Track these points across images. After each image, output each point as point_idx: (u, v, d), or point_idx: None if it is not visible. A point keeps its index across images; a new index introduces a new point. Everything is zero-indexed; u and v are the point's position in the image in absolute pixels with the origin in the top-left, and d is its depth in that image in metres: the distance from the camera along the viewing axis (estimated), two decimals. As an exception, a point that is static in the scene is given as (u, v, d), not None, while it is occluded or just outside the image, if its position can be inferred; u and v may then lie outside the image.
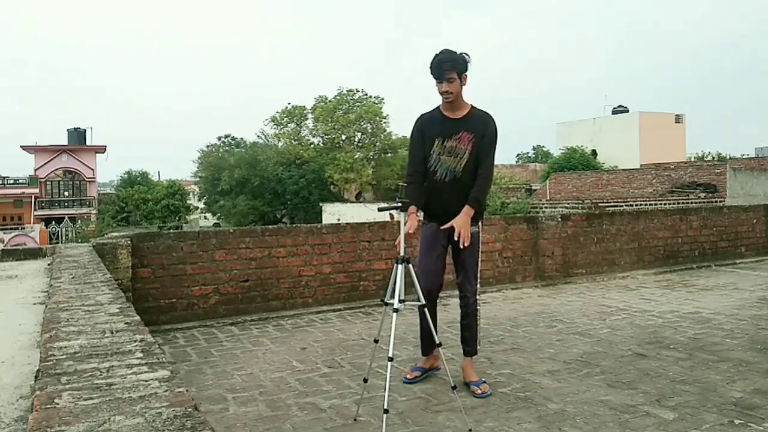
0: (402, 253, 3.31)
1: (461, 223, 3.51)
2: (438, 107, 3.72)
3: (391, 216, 6.17)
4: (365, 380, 3.39)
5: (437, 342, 3.48)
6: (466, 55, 3.54)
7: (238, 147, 43.88)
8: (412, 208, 3.61)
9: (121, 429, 1.14)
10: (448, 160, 3.62)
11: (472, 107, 3.68)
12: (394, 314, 3.16)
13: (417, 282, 3.35)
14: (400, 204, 3.33)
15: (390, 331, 3.13)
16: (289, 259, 6.07)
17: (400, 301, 3.16)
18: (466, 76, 3.57)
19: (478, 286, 3.85)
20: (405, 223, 3.36)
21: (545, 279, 7.47)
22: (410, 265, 3.31)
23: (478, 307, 3.85)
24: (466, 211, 3.54)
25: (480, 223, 3.76)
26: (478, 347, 3.92)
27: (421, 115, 3.78)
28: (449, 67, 3.49)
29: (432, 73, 3.55)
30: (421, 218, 3.89)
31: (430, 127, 3.69)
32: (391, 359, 3.10)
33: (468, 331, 3.82)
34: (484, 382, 3.67)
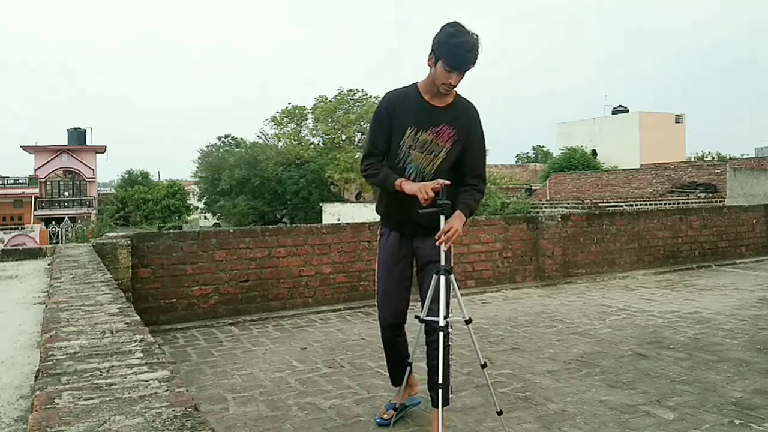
0: (443, 262, 2.76)
1: (455, 226, 2.76)
2: (415, 85, 2.94)
3: None
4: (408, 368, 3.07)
5: (410, 361, 3.01)
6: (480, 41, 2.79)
7: (238, 147, 43.90)
8: (400, 180, 2.86)
9: (121, 429, 1.13)
10: (419, 157, 2.89)
11: (457, 94, 2.95)
12: (441, 333, 2.69)
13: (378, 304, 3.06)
14: (441, 206, 2.75)
15: (439, 362, 2.70)
16: (289, 259, 6.07)
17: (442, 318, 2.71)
18: None
19: (450, 313, 2.93)
20: (444, 224, 2.76)
21: (545, 279, 7.47)
22: (452, 276, 2.81)
23: (450, 343, 3.00)
24: (459, 215, 2.81)
25: None
26: (451, 395, 3.12)
27: (393, 92, 2.97)
28: (473, 59, 2.72)
29: (445, 58, 2.71)
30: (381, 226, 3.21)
31: (403, 109, 2.90)
32: (441, 386, 2.71)
33: (437, 374, 2.77)
34: None
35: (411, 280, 3.13)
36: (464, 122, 2.92)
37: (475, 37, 2.72)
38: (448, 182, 2.76)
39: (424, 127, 2.88)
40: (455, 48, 2.69)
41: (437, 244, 2.75)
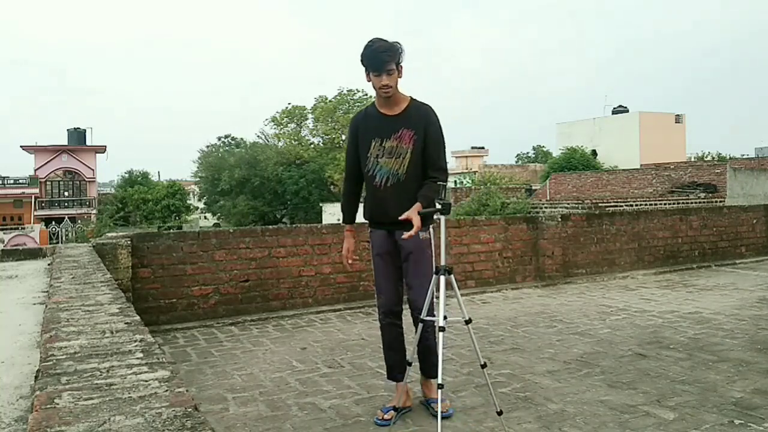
0: (443, 263, 2.91)
1: (411, 216, 2.98)
2: (373, 104, 3.37)
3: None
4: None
5: (409, 362, 3.11)
6: (399, 44, 3.17)
7: (238, 147, 43.99)
8: (348, 228, 3.50)
9: (121, 429, 1.13)
10: (389, 162, 3.21)
11: (411, 100, 3.29)
12: (441, 334, 2.78)
13: (378, 297, 3.38)
14: (440, 206, 2.90)
15: (438, 355, 2.79)
16: (289, 259, 6.07)
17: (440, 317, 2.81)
18: (402, 67, 3.18)
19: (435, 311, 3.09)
20: (445, 228, 2.98)
21: (545, 279, 7.47)
22: (452, 276, 2.93)
23: (428, 334, 3.22)
24: (416, 206, 3.04)
25: (431, 228, 3.27)
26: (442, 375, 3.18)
27: (355, 116, 3.47)
28: (389, 57, 3.09)
29: (368, 65, 3.14)
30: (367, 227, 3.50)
31: (365, 127, 3.31)
32: (441, 386, 2.74)
33: (430, 354, 3.21)
34: (444, 400, 3.14)
35: (400, 270, 3.39)
36: (420, 122, 3.23)
37: (380, 40, 3.14)
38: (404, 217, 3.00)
39: (386, 135, 3.22)
40: (371, 53, 3.12)
41: (404, 237, 3.01)
